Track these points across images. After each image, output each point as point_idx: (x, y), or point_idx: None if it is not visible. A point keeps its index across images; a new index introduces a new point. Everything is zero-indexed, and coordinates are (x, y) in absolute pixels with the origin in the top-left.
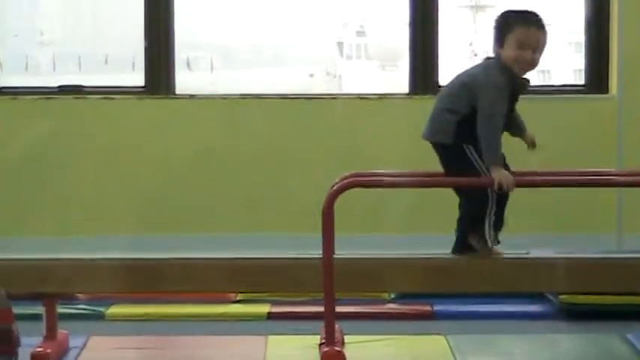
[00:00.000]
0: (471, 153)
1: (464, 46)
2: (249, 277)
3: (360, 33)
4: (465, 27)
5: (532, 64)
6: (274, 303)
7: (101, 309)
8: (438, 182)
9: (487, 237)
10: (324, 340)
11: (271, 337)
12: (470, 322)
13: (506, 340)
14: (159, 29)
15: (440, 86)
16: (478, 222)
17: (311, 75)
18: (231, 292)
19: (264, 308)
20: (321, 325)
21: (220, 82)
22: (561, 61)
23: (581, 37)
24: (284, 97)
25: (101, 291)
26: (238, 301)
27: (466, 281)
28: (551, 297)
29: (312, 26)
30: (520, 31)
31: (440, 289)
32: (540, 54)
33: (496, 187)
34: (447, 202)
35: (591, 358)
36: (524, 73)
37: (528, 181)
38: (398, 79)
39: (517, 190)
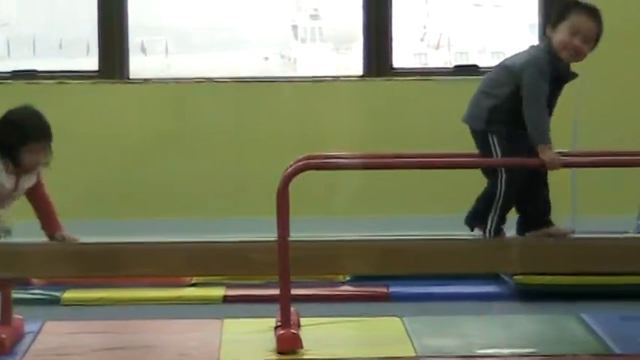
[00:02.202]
0: (493, 143)
1: (417, 29)
2: (205, 260)
3: (314, 16)
4: (418, 10)
5: (579, 53)
6: (230, 286)
7: (57, 294)
8: (390, 164)
9: (488, 226)
10: (279, 323)
11: (227, 321)
12: (425, 303)
13: (461, 322)
14: (112, 13)
15: (393, 68)
16: (488, 209)
17: (266, 58)
18: (187, 276)
19: (219, 292)
20: (276, 308)
21: (175, 66)
22: (515, 43)
23: (534, 19)
24: (239, 80)
25: (56, 276)
26: (193, 285)
27: (421, 263)
28: (506, 278)
29: (267, 9)
30: (575, 19)
31: (395, 271)
32: (589, 47)
33: (548, 166)
34: (401, 184)
35: (547, 338)
36: (571, 60)
37: (478, 162)
38: (352, 62)
39: (470, 171)
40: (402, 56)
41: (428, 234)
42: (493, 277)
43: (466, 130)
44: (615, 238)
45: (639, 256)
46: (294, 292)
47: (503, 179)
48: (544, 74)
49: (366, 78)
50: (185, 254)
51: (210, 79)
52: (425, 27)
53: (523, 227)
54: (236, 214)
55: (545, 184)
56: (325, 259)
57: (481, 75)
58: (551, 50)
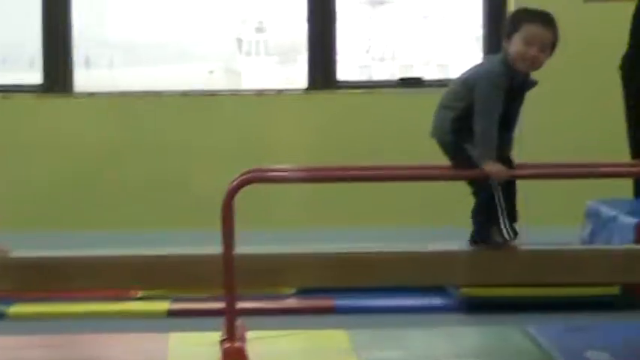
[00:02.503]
0: (469, 150)
1: (363, 42)
2: (150, 274)
3: (259, 29)
4: (363, 22)
5: (536, 63)
6: (175, 300)
7: (2, 308)
8: (335, 176)
9: (503, 230)
10: (225, 337)
11: (172, 335)
12: (371, 316)
13: (407, 334)
14: (56, 26)
15: (337, 81)
16: (493, 216)
17: (211, 71)
18: (132, 290)
19: (164, 305)
20: (222, 321)
21: (121, 79)
22: (460, 55)
23: (479, 31)
24: (184, 93)
25: (2, 290)
26: (140, 298)
27: (367, 275)
28: (451, 290)
29: (212, 23)
30: (529, 28)
31: (341, 284)
32: (546, 55)
33: (491, 179)
34: (347, 196)
35: (493, 351)
36: (529, 70)
37: (424, 174)
38: (297, 75)
39: (417, 183)
40: (347, 69)
41: (374, 246)
42: (439, 290)
43: (411, 141)
44: (560, 249)
45: (583, 267)
46: (239, 305)
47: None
48: (497, 88)
49: (311, 91)
50: (130, 267)
51: (155, 93)
52: (370, 39)
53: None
54: (182, 227)
55: (514, 194)
56: (271, 272)
57: (426, 87)
58: (507, 61)
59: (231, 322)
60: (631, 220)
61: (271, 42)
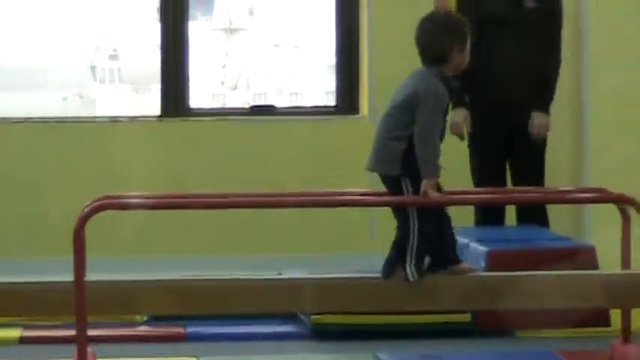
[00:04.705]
0: (407, 186)
1: (217, 69)
2: (2, 301)
3: (113, 56)
4: (217, 50)
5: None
6: (26, 327)
7: None
8: (186, 204)
9: (407, 269)
10: None
11: None
12: (223, 343)
13: None
14: None
15: (190, 109)
16: (402, 254)
17: (64, 98)
18: None
19: (15, 332)
20: (73, 348)
21: None
22: (314, 83)
23: (333, 60)
24: (38, 120)
25: None
26: None
27: (218, 303)
28: (303, 317)
29: (66, 50)
30: (467, 38)
31: (192, 311)
32: None
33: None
34: (202, 224)
35: None
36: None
37: (273, 201)
38: (151, 102)
39: (261, 211)
40: (201, 96)
41: (225, 274)
42: (291, 317)
43: (263, 168)
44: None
45: (435, 295)
46: (90, 332)
47: (415, 218)
48: (440, 108)
49: (164, 118)
50: None
51: (8, 119)
52: (224, 67)
53: (430, 266)
54: (36, 255)
55: (449, 220)
56: (122, 299)
57: (278, 116)
58: (444, 75)
59: (82, 349)
60: (483, 248)
61: (125, 69)
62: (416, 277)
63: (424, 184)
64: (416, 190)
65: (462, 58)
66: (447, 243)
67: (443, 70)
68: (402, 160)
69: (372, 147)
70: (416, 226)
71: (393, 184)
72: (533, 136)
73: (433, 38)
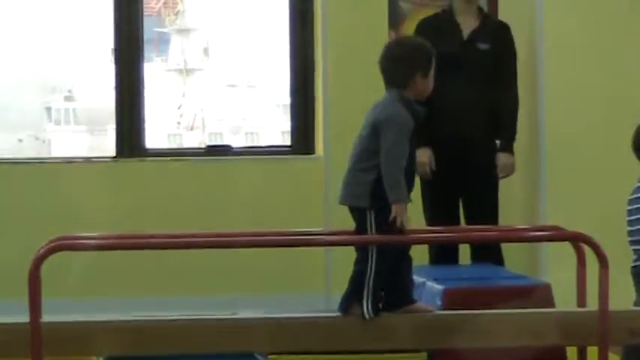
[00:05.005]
0: (370, 219)
1: (173, 110)
2: None
3: (69, 98)
4: (174, 90)
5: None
6: None
7: None
8: (142, 244)
9: (363, 307)
10: None
11: None
12: None
13: None
14: None
15: (146, 149)
16: (359, 290)
17: (20, 140)
18: None
19: None
20: None
21: None
22: (269, 123)
23: (288, 100)
24: None
25: None
26: None
27: (174, 343)
28: (259, 358)
29: (21, 91)
30: (432, 63)
31: (148, 351)
32: None
33: (395, 221)
34: (156, 264)
35: None
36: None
37: (228, 241)
38: (107, 143)
39: (218, 251)
40: (157, 137)
41: (181, 314)
42: (247, 356)
43: (219, 208)
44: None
45: (389, 334)
46: None
47: (374, 254)
48: (405, 133)
49: (119, 159)
50: None
51: None
52: (180, 107)
53: (384, 305)
54: None
55: (410, 260)
56: (78, 340)
57: (234, 156)
58: (408, 99)
59: None
60: (439, 287)
61: (80, 110)
62: (372, 315)
63: (394, 210)
64: (379, 226)
65: (426, 83)
66: (404, 284)
67: (405, 95)
68: (371, 191)
69: (342, 180)
70: (374, 263)
71: (360, 217)
72: (500, 176)
73: (396, 62)
